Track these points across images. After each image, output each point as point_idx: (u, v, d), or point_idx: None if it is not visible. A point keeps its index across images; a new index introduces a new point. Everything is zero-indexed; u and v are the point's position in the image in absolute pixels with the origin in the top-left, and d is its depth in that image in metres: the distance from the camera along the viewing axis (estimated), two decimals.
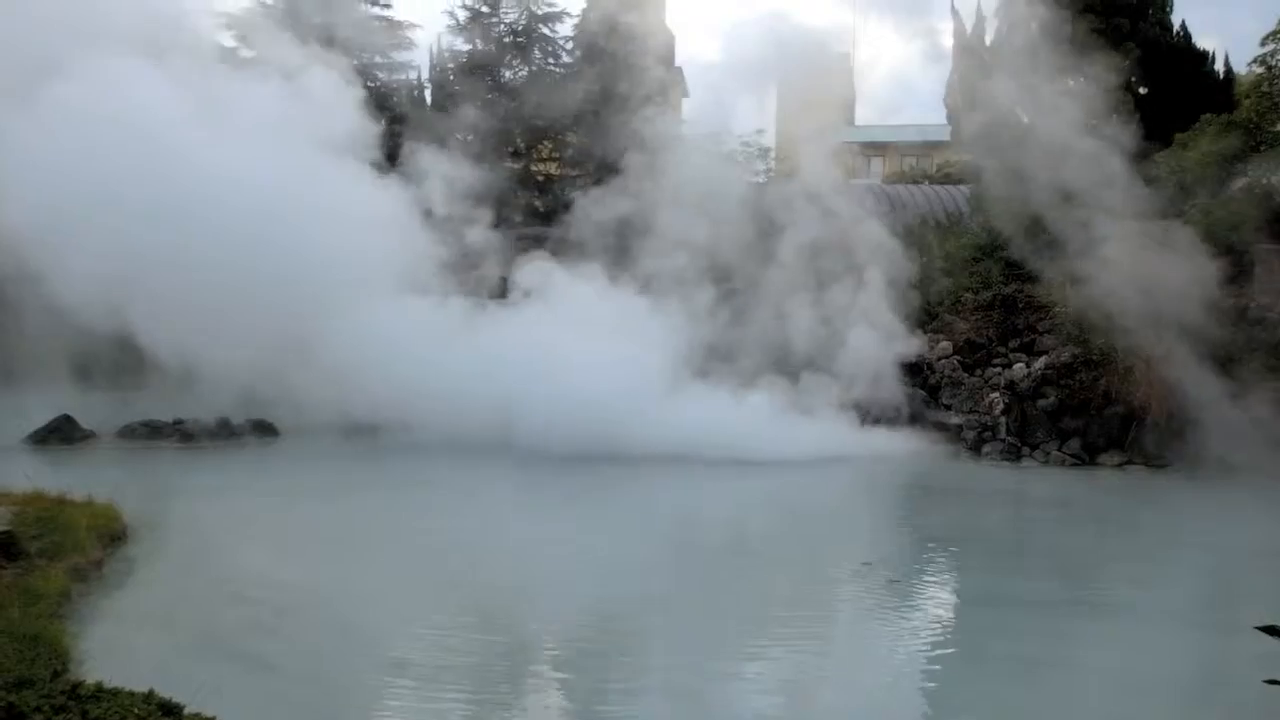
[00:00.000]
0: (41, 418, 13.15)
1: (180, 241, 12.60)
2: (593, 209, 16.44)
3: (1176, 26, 20.09)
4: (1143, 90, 19.64)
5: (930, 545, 9.69)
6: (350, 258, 13.85)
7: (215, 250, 12.64)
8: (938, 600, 8.00)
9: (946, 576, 8.80)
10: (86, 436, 13.35)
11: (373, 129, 15.70)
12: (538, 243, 17.49)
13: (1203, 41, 20.25)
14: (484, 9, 24.96)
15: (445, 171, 16.19)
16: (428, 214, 15.69)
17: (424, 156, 16.31)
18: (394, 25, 25.17)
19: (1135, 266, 13.52)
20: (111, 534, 7.96)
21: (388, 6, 25.37)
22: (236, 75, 15.14)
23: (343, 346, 13.06)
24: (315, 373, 13.01)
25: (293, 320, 13.08)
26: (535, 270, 15.23)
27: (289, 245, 13.21)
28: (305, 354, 13.01)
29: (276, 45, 15.56)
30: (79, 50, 13.14)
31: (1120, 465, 13.39)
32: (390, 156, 16.79)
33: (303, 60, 15.24)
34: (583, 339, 13.52)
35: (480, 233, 16.32)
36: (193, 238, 12.64)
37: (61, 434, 13.12)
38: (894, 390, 15.10)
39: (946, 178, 25.69)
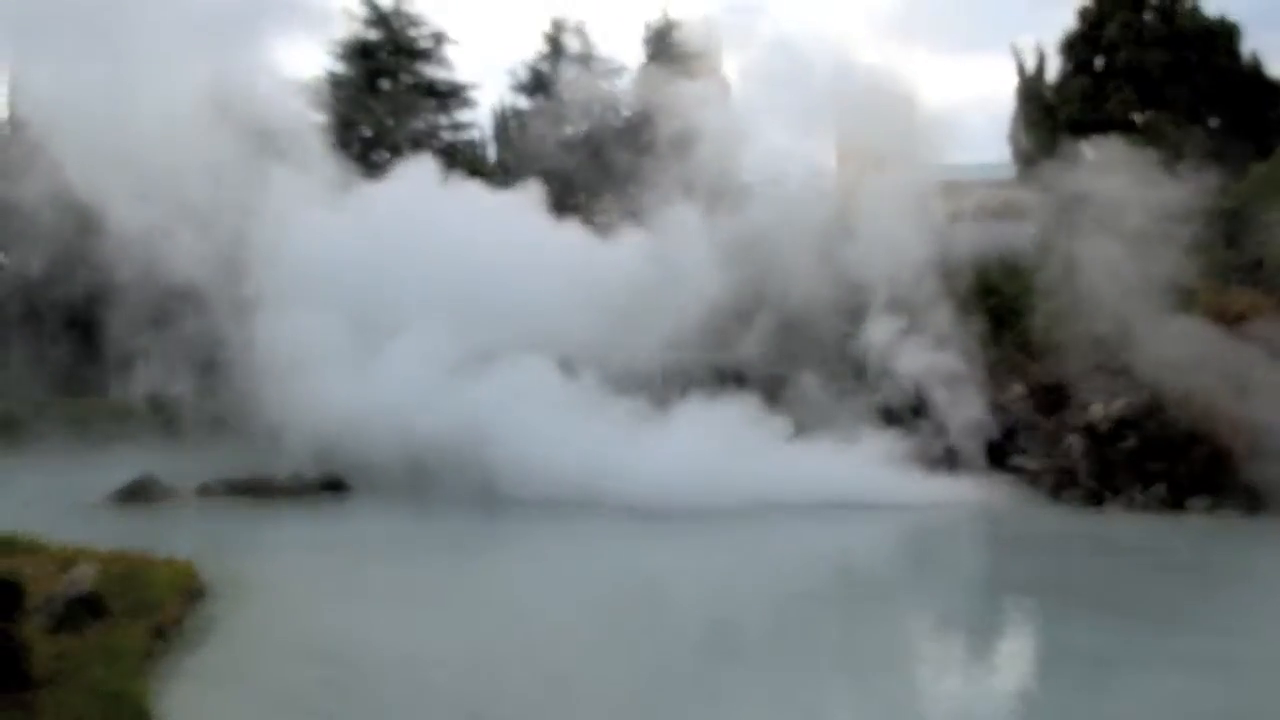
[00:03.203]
0: (124, 476, 13.57)
1: None
2: None
3: (1246, 55, 19.67)
4: (1213, 122, 19.22)
5: (1011, 597, 9.36)
6: None
7: None
8: (1021, 655, 7.72)
9: (1029, 630, 8.49)
10: (167, 494, 13.69)
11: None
12: None
13: (1275, 69, 19.79)
14: (543, 67, 25.64)
15: None
16: None
17: None
18: (456, 86, 26.01)
19: (1217, 300, 13.07)
20: (191, 591, 8.13)
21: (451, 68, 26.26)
22: None
23: None
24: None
25: None
26: None
27: None
28: None
29: None
30: None
31: (1210, 510, 12.77)
32: None
33: None
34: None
35: None
36: None
37: (143, 492, 13.51)
38: (968, 434, 14.73)
39: (1011, 216, 25.25)
